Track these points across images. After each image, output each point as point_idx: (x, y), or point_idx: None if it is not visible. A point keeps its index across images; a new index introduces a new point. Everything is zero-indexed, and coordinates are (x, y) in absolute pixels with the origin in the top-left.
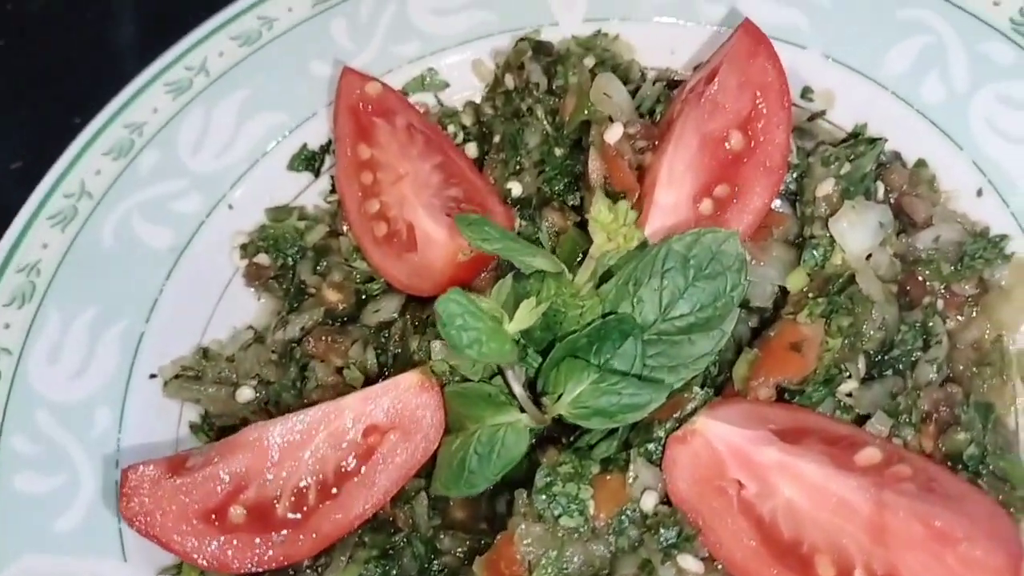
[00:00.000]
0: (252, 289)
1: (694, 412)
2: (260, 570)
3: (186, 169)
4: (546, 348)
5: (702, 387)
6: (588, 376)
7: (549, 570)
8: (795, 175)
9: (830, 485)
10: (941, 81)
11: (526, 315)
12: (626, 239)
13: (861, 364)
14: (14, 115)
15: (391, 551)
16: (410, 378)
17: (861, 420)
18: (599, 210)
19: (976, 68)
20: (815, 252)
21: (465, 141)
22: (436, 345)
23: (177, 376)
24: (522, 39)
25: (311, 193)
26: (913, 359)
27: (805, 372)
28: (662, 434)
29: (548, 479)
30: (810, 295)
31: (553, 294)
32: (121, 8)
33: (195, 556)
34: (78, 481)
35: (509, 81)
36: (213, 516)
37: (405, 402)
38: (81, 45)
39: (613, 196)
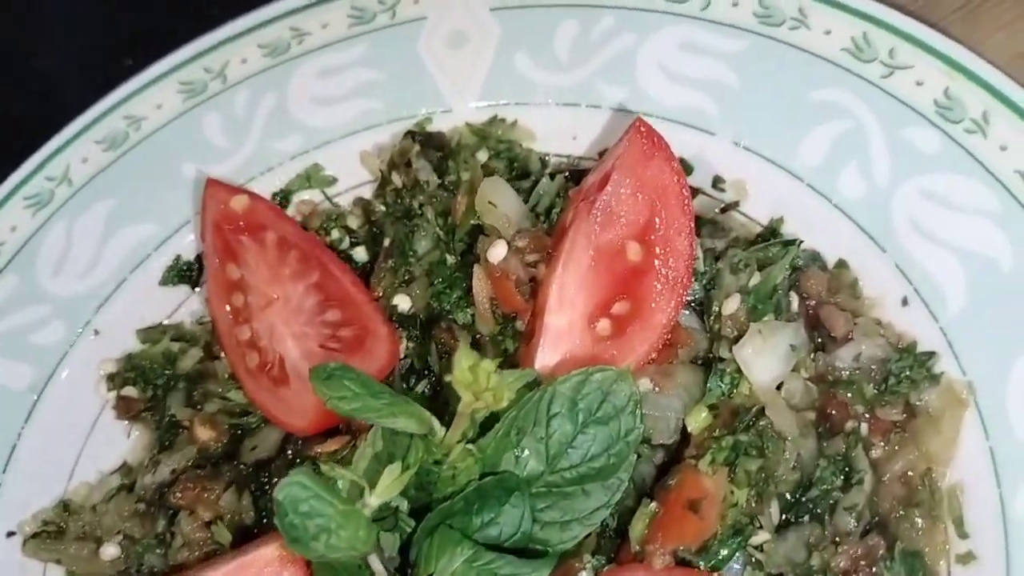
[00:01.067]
0: (121, 424)
1: None
2: None
3: (46, 294)
4: (421, 508)
5: (593, 554)
6: (462, 552)
7: None
8: (703, 283)
9: None
10: (860, 173)
11: (390, 484)
12: (495, 399)
13: (774, 510)
14: None
15: None
16: (270, 552)
17: None
18: (460, 370)
19: (899, 158)
20: (720, 381)
21: (353, 245)
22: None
23: (36, 535)
24: (408, 132)
25: (187, 309)
26: (832, 500)
27: (704, 536)
28: None
29: None
30: (715, 433)
31: (420, 457)
32: None
33: None
34: None
35: (396, 179)
36: None
37: None
38: None
39: (501, 318)
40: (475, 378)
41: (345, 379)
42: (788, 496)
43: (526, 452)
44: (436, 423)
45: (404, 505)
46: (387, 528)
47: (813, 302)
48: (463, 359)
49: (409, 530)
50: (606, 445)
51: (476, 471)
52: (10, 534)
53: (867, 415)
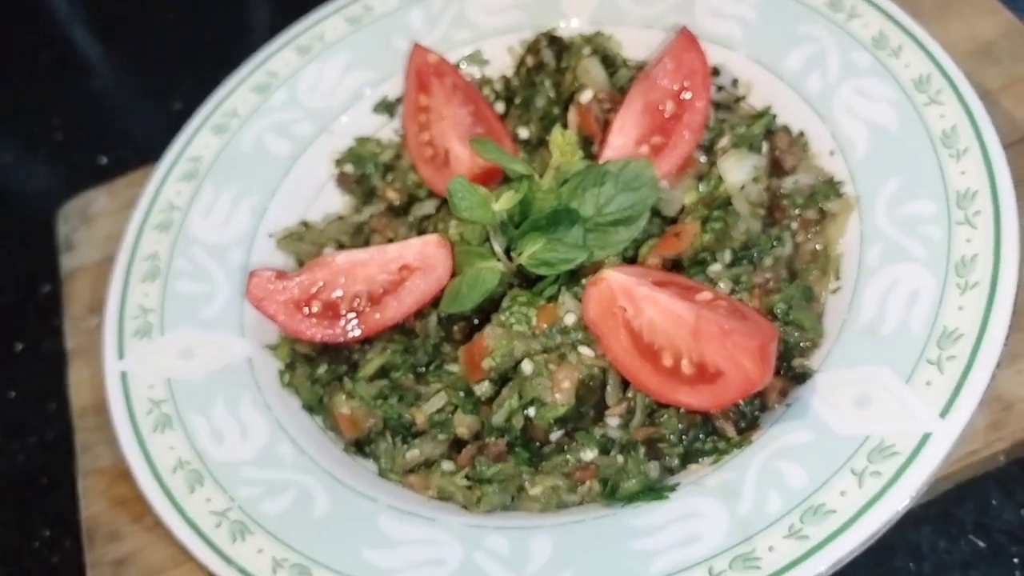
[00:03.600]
0: (339, 190)
1: None
2: (326, 343)
3: (303, 104)
4: (519, 225)
5: (616, 258)
6: (541, 241)
7: (502, 352)
8: (711, 135)
9: (673, 308)
10: (820, 78)
11: (507, 199)
12: (571, 155)
13: (727, 255)
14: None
15: (410, 348)
16: (432, 237)
17: None
18: (555, 135)
19: (844, 70)
20: (708, 183)
21: (495, 100)
22: (452, 223)
23: (285, 237)
24: (541, 34)
25: (387, 129)
26: (763, 256)
27: (678, 250)
28: (585, 282)
29: (510, 303)
30: (698, 207)
31: (527, 189)
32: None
33: (289, 327)
34: (216, 288)
35: (529, 61)
36: (301, 306)
37: (428, 252)
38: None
39: (582, 139)
40: (565, 141)
41: (490, 144)
42: (737, 251)
43: (585, 201)
44: (535, 173)
45: (510, 223)
46: (503, 229)
47: (776, 151)
48: (557, 130)
49: (512, 235)
50: (632, 204)
51: (555, 204)
52: (269, 235)
53: (797, 216)
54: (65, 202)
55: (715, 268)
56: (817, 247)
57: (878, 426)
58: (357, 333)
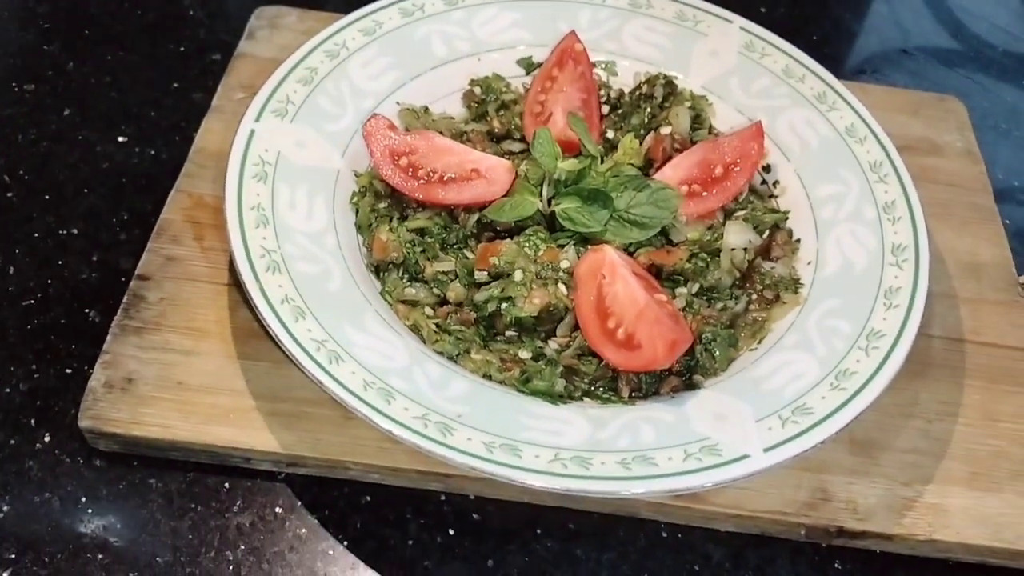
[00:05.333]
0: (462, 101)
1: None
2: (396, 189)
3: (472, 30)
4: (568, 185)
5: (620, 247)
6: (576, 204)
7: (507, 259)
8: (735, 205)
9: (634, 291)
10: (833, 209)
11: (571, 164)
12: (630, 159)
13: (695, 287)
14: None
15: (448, 227)
16: (505, 161)
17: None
18: (629, 139)
19: (853, 215)
20: (712, 232)
21: (605, 103)
22: (525, 163)
23: (408, 109)
24: (663, 74)
25: (518, 81)
26: (719, 302)
27: (664, 263)
28: (589, 248)
29: (532, 234)
30: (695, 244)
31: (588, 165)
32: None
33: (378, 164)
34: (344, 114)
35: (644, 88)
36: (395, 156)
37: (497, 169)
38: None
39: (645, 160)
40: (631, 146)
41: (581, 123)
42: (704, 288)
43: (622, 196)
44: (600, 157)
45: (563, 182)
46: (556, 183)
47: (773, 241)
48: (630, 138)
49: (559, 191)
50: (652, 216)
51: (600, 185)
52: (397, 103)
53: (760, 291)
54: (263, 6)
55: (681, 289)
56: (759, 318)
57: (719, 435)
58: (420, 196)
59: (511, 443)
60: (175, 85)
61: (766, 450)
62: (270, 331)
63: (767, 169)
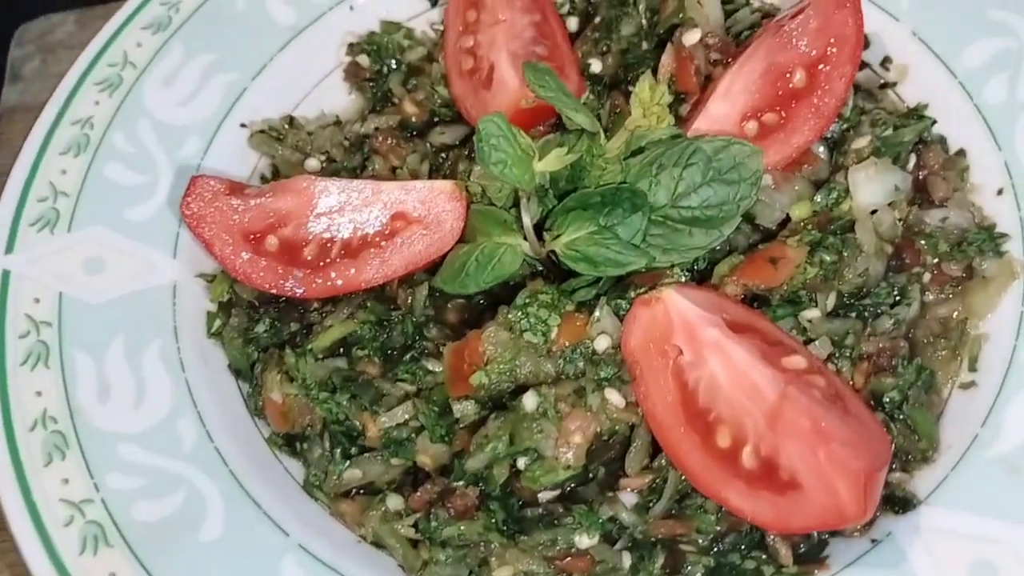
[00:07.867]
0: (347, 85)
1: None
2: (275, 294)
3: None
4: (563, 196)
5: (683, 271)
6: (589, 227)
7: (501, 367)
8: (843, 127)
9: (750, 371)
10: (1007, 84)
11: (555, 159)
12: (658, 119)
13: (831, 299)
14: None
15: (386, 322)
16: (445, 185)
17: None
18: (642, 87)
19: None
20: (828, 195)
21: (569, 14)
22: (476, 169)
23: (262, 131)
24: None
25: (422, 20)
26: (880, 311)
27: (772, 284)
28: (633, 295)
29: (527, 300)
30: (808, 227)
31: (584, 150)
32: None
33: (228, 264)
34: (157, 182)
35: None
36: (252, 237)
37: (434, 203)
38: None
39: (674, 93)
40: (651, 96)
41: (547, 75)
42: (846, 296)
43: (659, 184)
44: (602, 131)
45: (552, 189)
46: (541, 196)
47: (925, 171)
48: (646, 81)
49: (551, 207)
50: (721, 201)
51: (618, 179)
52: (242, 125)
53: (934, 266)
54: (24, 22)
55: (812, 314)
56: (953, 315)
57: None
58: (314, 292)
59: None
60: None
61: None
62: None
63: (866, 44)
